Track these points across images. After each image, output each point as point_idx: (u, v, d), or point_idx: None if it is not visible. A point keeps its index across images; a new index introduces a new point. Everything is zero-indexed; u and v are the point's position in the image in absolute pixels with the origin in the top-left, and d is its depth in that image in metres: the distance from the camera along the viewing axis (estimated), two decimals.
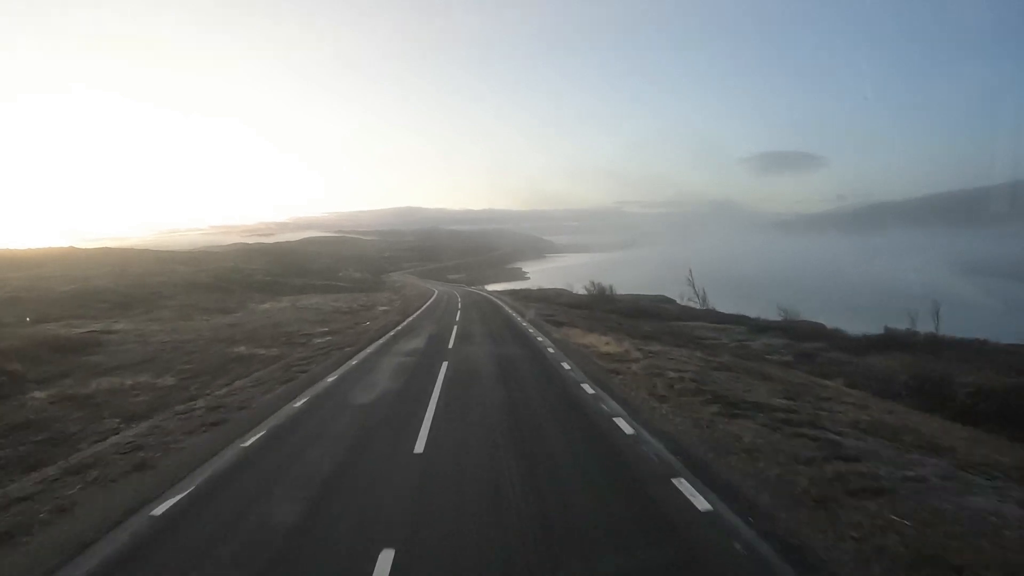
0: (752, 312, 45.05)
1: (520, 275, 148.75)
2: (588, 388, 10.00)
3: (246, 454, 7.08)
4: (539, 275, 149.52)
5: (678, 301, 47.68)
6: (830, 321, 36.09)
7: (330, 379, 12.08)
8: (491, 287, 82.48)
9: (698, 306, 43.35)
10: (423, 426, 7.73)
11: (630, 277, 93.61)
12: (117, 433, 8.96)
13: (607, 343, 15.79)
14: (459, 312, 28.86)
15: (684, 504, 4.90)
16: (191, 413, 9.58)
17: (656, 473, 5.72)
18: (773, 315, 42.61)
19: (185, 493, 5.74)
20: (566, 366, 12.45)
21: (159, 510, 5.35)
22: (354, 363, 14.12)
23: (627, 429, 7.32)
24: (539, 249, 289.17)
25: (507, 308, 31.79)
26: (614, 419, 7.82)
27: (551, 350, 15.08)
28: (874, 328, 29.19)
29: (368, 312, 33.02)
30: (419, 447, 6.85)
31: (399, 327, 23.02)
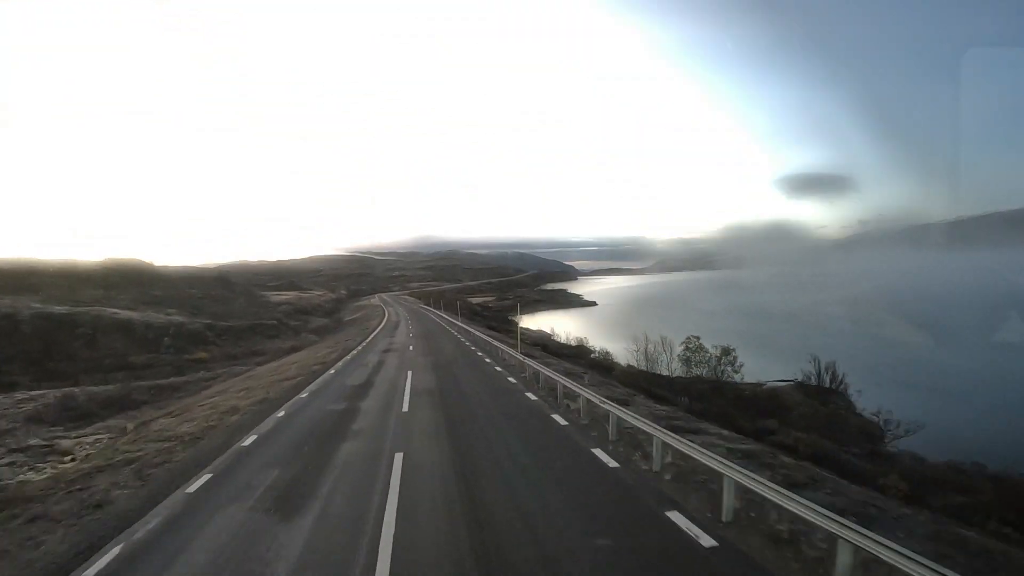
0: None
1: (572, 299, 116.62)
2: None
3: None
4: (603, 296, 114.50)
5: None
6: None
7: None
8: (541, 319, 57.39)
9: None
10: None
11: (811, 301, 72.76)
12: None
13: None
14: None
15: None
16: None
17: None
18: None
19: None
20: None
21: None
22: None
23: None
24: (565, 272, 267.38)
25: None
26: None
27: None
28: None
29: None
30: None
31: None
